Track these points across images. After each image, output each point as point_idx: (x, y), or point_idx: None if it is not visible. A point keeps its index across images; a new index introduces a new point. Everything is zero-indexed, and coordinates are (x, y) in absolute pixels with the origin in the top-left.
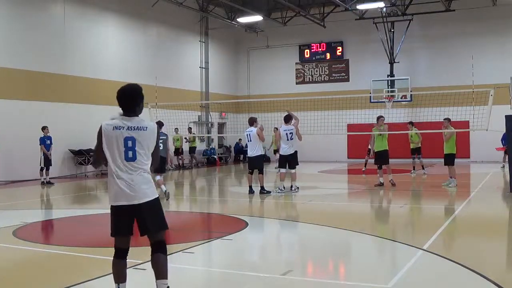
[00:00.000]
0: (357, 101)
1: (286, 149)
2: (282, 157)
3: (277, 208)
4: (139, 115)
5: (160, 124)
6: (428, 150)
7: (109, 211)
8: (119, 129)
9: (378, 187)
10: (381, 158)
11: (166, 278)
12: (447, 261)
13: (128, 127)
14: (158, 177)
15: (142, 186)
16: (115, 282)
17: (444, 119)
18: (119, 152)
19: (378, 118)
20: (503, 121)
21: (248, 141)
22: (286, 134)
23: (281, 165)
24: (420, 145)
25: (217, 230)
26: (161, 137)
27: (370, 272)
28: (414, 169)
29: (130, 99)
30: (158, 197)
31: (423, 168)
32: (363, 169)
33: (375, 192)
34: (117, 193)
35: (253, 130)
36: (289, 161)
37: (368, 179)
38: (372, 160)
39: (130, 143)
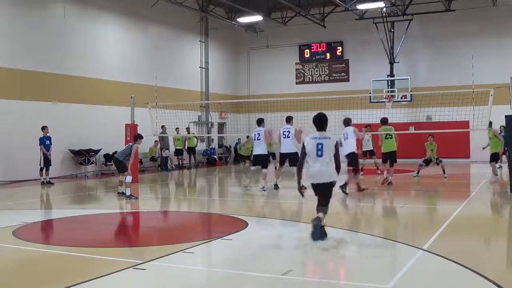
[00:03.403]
0: (357, 101)
1: (283, 147)
2: (281, 155)
3: (277, 208)
4: (326, 129)
5: (137, 137)
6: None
7: (108, 211)
8: (315, 138)
9: (387, 186)
10: (392, 158)
11: (322, 212)
12: (447, 261)
13: (319, 137)
14: (127, 179)
15: (327, 172)
16: (317, 212)
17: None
18: (314, 152)
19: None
20: (503, 121)
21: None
22: (283, 132)
23: (281, 163)
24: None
25: (217, 230)
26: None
27: (370, 272)
28: (418, 173)
29: (319, 122)
30: (334, 181)
31: (444, 172)
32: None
33: (375, 192)
34: (312, 175)
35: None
36: (289, 160)
37: (367, 180)
38: (367, 161)
39: (320, 146)
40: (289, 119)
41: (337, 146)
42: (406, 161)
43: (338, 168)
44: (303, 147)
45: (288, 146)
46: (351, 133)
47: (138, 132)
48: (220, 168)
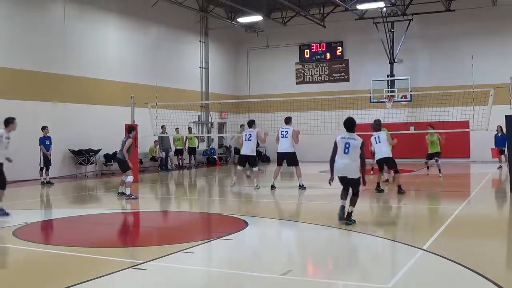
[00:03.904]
0: (357, 101)
1: (281, 147)
2: (278, 155)
3: (277, 208)
4: (354, 131)
5: (130, 130)
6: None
7: (108, 211)
8: (344, 138)
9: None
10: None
11: (354, 206)
12: (447, 261)
13: (347, 137)
14: (128, 178)
15: (351, 168)
16: (340, 199)
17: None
18: (342, 149)
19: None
20: (503, 121)
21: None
22: (282, 132)
23: (279, 163)
24: (439, 149)
25: (217, 230)
26: (122, 140)
27: (370, 272)
28: (428, 168)
29: (349, 125)
30: (358, 177)
31: (439, 171)
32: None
33: (374, 192)
34: (338, 169)
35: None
36: (287, 160)
37: (367, 180)
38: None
39: (347, 145)
40: (288, 120)
41: (362, 146)
42: (406, 161)
43: (363, 166)
44: (334, 145)
45: (286, 146)
46: (383, 137)
47: (138, 132)
48: (220, 168)
